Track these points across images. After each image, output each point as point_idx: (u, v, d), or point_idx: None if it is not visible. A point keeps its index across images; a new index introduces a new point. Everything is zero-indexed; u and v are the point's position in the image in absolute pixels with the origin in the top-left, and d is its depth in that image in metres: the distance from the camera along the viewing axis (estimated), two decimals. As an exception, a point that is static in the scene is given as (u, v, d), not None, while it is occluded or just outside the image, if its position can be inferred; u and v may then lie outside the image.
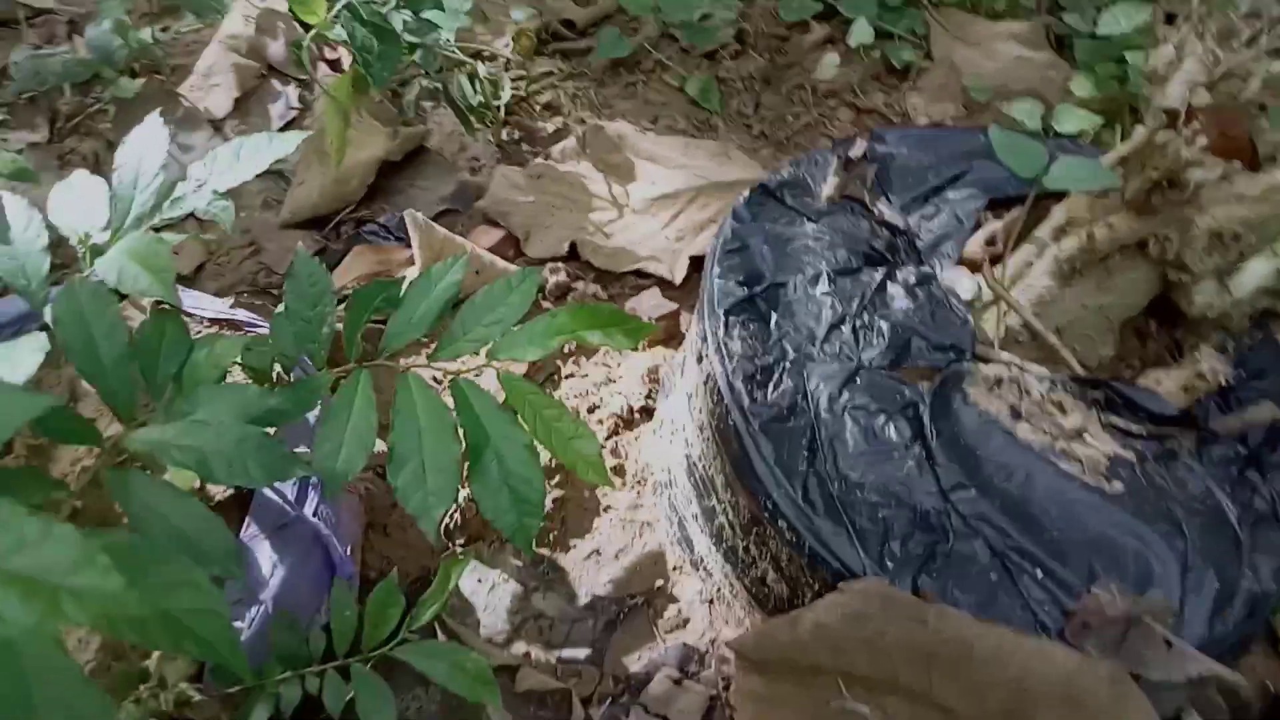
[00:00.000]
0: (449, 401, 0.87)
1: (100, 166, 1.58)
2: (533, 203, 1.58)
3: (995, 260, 1.01)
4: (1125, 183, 0.95)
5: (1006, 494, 0.85)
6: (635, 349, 1.39)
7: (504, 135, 1.75)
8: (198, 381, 0.82)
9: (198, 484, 0.96)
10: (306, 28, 1.32)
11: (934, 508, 0.83)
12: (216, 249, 1.54)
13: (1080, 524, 0.83)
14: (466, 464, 0.84)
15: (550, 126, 1.78)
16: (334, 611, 0.95)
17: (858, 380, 0.91)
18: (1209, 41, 0.91)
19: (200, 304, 1.14)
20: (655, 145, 1.67)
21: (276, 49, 1.80)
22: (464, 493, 1.16)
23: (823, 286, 0.98)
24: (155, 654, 0.84)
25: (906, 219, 1.07)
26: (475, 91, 1.69)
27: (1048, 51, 1.87)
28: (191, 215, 0.90)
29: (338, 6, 1.26)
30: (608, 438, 1.31)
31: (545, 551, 1.20)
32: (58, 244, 0.86)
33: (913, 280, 0.99)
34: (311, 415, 1.01)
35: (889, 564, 0.80)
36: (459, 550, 1.19)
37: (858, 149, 1.08)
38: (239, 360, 0.88)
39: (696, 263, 1.51)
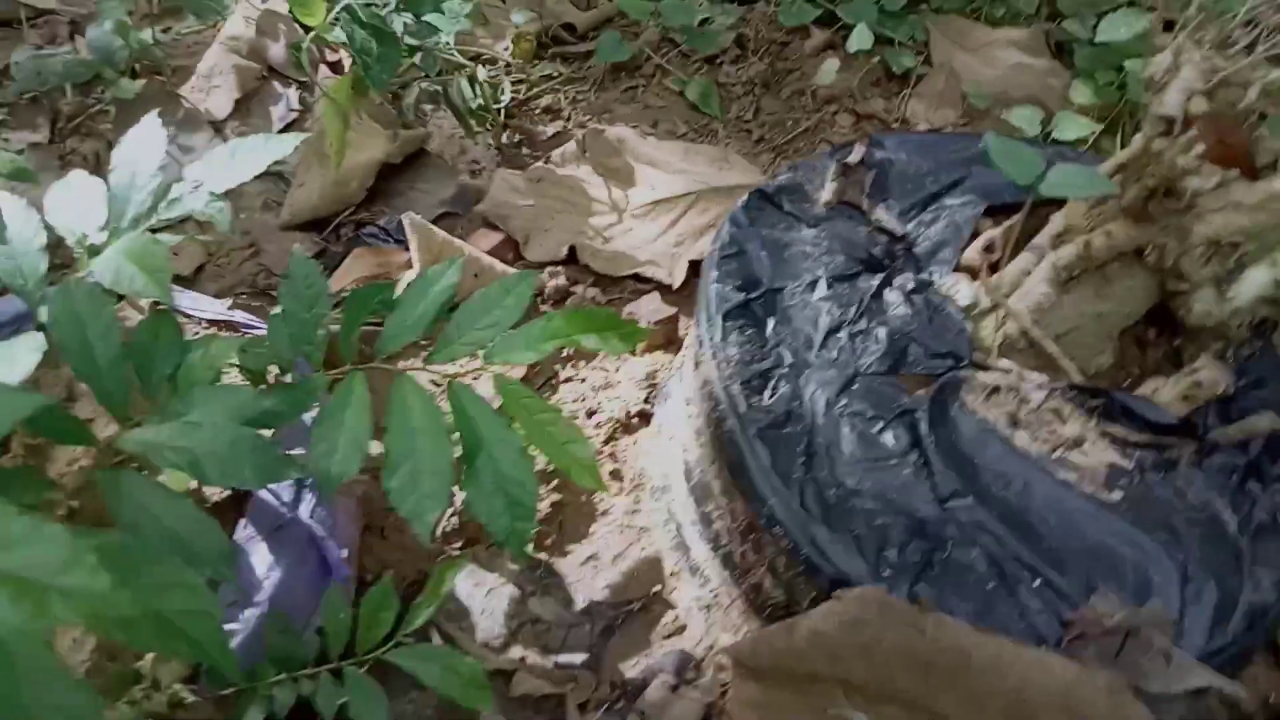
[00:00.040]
0: (447, 405, 0.86)
1: (101, 167, 1.57)
2: (532, 206, 1.58)
3: (993, 267, 1.01)
4: (1123, 190, 0.95)
5: (1004, 502, 0.85)
6: (631, 353, 1.39)
7: (504, 139, 1.75)
8: (192, 383, 0.82)
9: (194, 485, 0.96)
10: (307, 30, 1.32)
11: (931, 515, 0.83)
12: (216, 250, 1.54)
13: (1078, 533, 0.83)
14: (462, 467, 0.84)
15: (550, 130, 1.78)
16: (329, 614, 0.94)
17: (855, 386, 0.90)
18: (1207, 49, 0.91)
19: (198, 305, 1.14)
20: (655, 150, 1.67)
21: (277, 51, 1.80)
22: (461, 496, 1.16)
23: (820, 292, 0.98)
24: (149, 655, 0.83)
25: (904, 225, 1.07)
26: (475, 95, 1.69)
27: (1047, 58, 1.86)
28: (191, 217, 0.90)
29: (338, 9, 1.26)
30: (605, 442, 1.30)
31: (542, 556, 1.19)
32: (56, 244, 0.86)
33: (910, 287, 0.99)
34: (309, 417, 1.01)
35: (886, 571, 0.80)
36: (455, 554, 1.18)
37: (856, 154, 1.08)
38: (236, 361, 0.88)
39: (696, 267, 1.50)
